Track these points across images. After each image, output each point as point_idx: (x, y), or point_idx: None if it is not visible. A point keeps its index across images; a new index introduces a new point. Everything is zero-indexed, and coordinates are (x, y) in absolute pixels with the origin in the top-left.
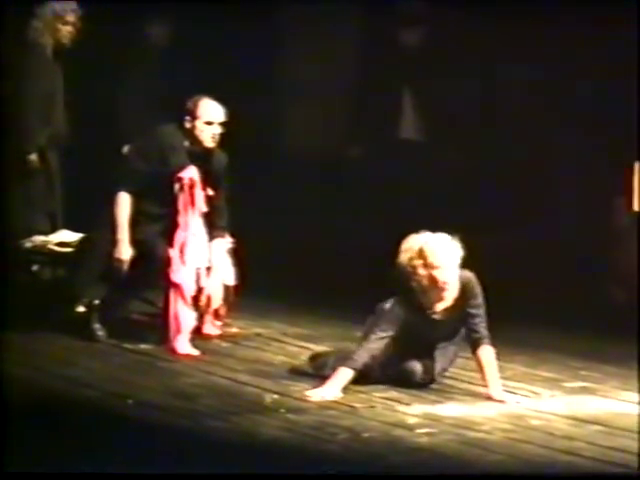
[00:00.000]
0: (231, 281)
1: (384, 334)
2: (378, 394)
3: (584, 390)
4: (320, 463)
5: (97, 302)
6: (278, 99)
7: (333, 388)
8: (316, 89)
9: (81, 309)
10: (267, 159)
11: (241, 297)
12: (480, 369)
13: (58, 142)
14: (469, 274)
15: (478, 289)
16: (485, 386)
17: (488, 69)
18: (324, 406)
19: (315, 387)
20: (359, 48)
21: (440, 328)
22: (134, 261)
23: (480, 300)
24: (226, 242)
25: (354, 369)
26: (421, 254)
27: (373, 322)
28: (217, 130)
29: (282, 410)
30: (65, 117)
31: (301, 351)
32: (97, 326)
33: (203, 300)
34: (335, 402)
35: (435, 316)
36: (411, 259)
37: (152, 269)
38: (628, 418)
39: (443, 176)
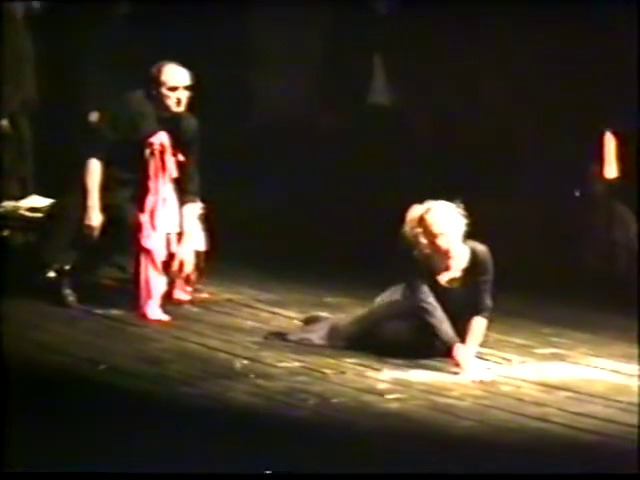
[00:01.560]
0: (202, 247)
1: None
2: (348, 360)
3: (554, 357)
4: (289, 429)
5: (68, 267)
6: (248, 66)
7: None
8: (286, 56)
9: (52, 274)
10: (238, 125)
11: (212, 263)
12: (465, 335)
13: (29, 108)
14: (481, 247)
15: (489, 264)
16: None
17: (460, 35)
18: (294, 372)
19: (285, 351)
20: (329, 14)
21: (451, 298)
22: (104, 227)
23: (490, 275)
24: (197, 207)
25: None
26: (422, 222)
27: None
28: (183, 95)
29: (252, 376)
30: (35, 83)
31: (272, 317)
32: (68, 291)
33: (175, 266)
34: (305, 368)
35: (444, 284)
36: (412, 228)
37: (122, 235)
38: (598, 384)
39: (414, 142)
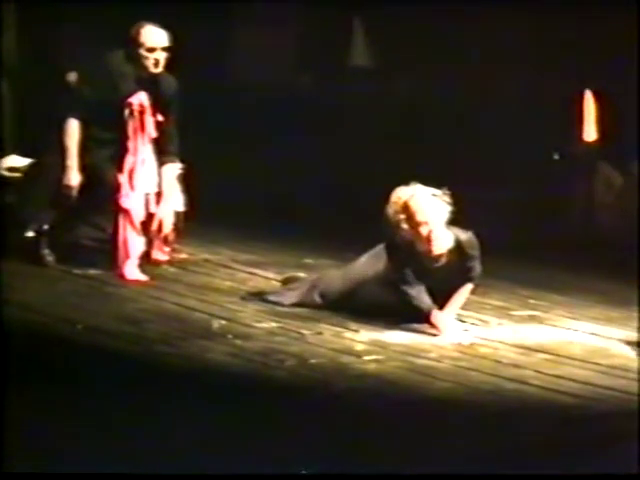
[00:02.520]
0: (180, 207)
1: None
2: (326, 321)
3: (532, 319)
4: (267, 389)
5: (46, 227)
6: (229, 26)
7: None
8: (267, 16)
9: (30, 234)
10: (218, 86)
11: (191, 223)
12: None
13: (7, 68)
14: (465, 235)
15: (475, 250)
16: None
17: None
18: (272, 332)
19: (263, 312)
20: None
21: (431, 275)
22: (83, 187)
23: (476, 260)
24: (176, 168)
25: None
26: (405, 209)
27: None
28: (161, 56)
29: (229, 336)
30: (14, 44)
31: (249, 277)
32: (46, 251)
33: (154, 226)
34: (282, 328)
35: (425, 263)
36: (396, 212)
37: (101, 194)
38: (575, 346)
39: (394, 104)
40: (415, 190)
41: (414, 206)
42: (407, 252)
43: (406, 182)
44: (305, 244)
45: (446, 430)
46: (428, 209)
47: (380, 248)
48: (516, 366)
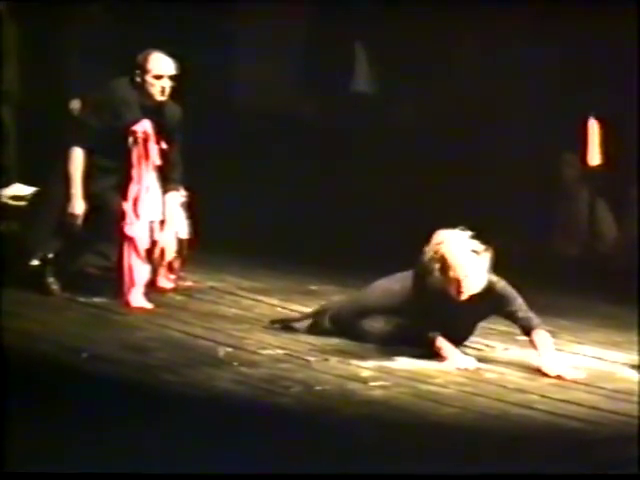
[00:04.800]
0: (185, 234)
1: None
2: (331, 347)
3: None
4: (273, 416)
5: (51, 256)
6: (232, 54)
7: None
8: (269, 43)
9: (35, 263)
10: (221, 113)
11: (196, 251)
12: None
13: (11, 96)
14: (497, 280)
15: (510, 294)
16: None
17: (444, 22)
18: (277, 359)
19: (267, 340)
20: (313, 2)
21: (456, 312)
22: (88, 215)
23: (513, 301)
24: (180, 195)
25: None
26: (442, 260)
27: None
28: (167, 84)
29: (235, 363)
30: (18, 72)
31: (255, 304)
32: (51, 280)
33: (157, 253)
34: (288, 355)
35: (451, 302)
36: (432, 260)
37: (106, 223)
38: (579, 371)
39: (397, 130)
40: (457, 243)
41: (452, 261)
42: (434, 293)
43: (411, 209)
44: (309, 271)
45: (453, 456)
46: (465, 267)
47: (397, 276)
48: (522, 391)
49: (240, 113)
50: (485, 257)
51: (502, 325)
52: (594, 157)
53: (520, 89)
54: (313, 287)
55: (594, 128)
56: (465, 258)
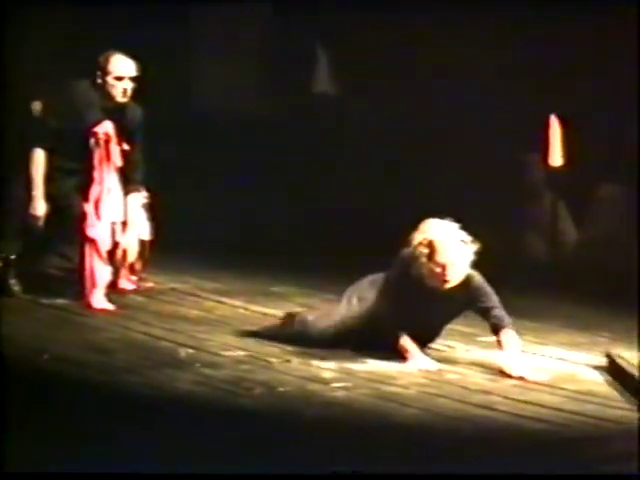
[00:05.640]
0: (146, 235)
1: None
2: (293, 348)
3: (499, 345)
4: (235, 418)
5: (13, 257)
6: (194, 55)
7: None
8: (230, 43)
9: None
10: (182, 114)
11: (157, 252)
12: (503, 350)
13: None
14: (473, 274)
15: (485, 288)
16: None
17: (407, 22)
18: (239, 361)
19: (229, 341)
20: (274, 2)
21: (431, 304)
22: (50, 216)
23: (489, 297)
24: (141, 196)
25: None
26: (430, 245)
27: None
28: (128, 85)
29: (197, 364)
30: None
31: (216, 305)
32: (13, 281)
33: (118, 254)
34: (250, 356)
35: (426, 294)
36: (420, 244)
37: (67, 224)
38: (542, 372)
39: (358, 130)
40: (446, 230)
41: (440, 247)
42: (416, 282)
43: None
44: (272, 273)
45: (414, 457)
46: (453, 254)
47: (368, 279)
48: (484, 392)
49: (201, 114)
50: (471, 248)
51: (463, 326)
52: (556, 158)
53: (485, 89)
54: (275, 289)
55: (556, 129)
56: (454, 245)
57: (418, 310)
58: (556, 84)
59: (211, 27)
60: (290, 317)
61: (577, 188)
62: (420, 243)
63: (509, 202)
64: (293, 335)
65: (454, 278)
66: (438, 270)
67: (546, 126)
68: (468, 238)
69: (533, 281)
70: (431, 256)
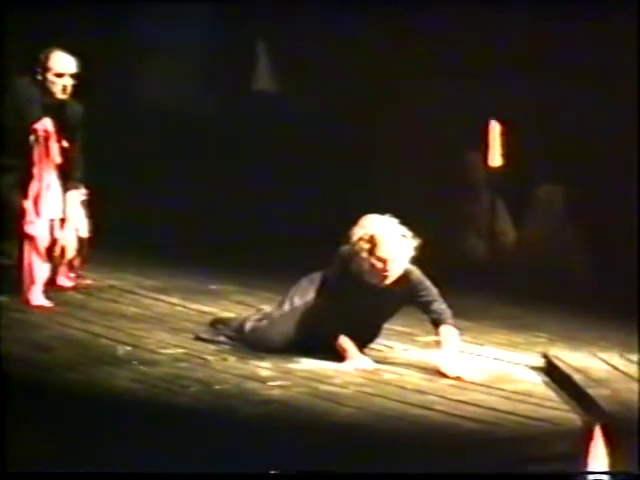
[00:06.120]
0: (85, 232)
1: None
2: (230, 347)
3: (437, 344)
4: (172, 415)
5: None
6: (133, 53)
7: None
8: (172, 41)
9: None
10: (123, 112)
11: (95, 249)
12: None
13: None
14: (412, 268)
15: (423, 283)
16: None
17: (344, 19)
18: (176, 358)
19: (166, 339)
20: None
21: (373, 308)
22: None
23: (429, 290)
24: (80, 193)
25: None
26: (371, 240)
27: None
28: (68, 82)
29: (134, 362)
30: None
31: (154, 303)
32: None
33: (57, 251)
34: (187, 354)
35: (365, 289)
36: (360, 240)
37: (6, 221)
38: (479, 372)
39: (299, 125)
40: (386, 225)
41: (381, 241)
42: (353, 278)
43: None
44: (210, 270)
45: (351, 456)
46: (394, 248)
47: (305, 281)
48: (420, 392)
49: (142, 111)
50: (412, 243)
51: (401, 326)
52: (496, 158)
53: (425, 88)
54: (213, 287)
55: (496, 129)
56: (395, 240)
57: (358, 308)
58: (495, 84)
59: (150, 25)
60: (226, 321)
61: (515, 188)
62: (361, 238)
63: (447, 201)
64: (246, 343)
65: (394, 273)
66: (379, 265)
67: (486, 126)
68: (408, 233)
69: (470, 280)
70: (372, 251)
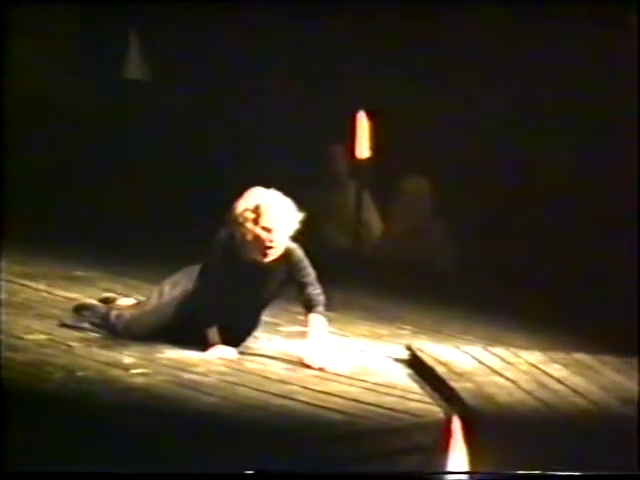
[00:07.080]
0: None
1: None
2: (94, 333)
3: (301, 334)
4: (36, 402)
5: None
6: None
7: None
8: (44, 29)
9: None
10: None
11: None
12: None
13: None
14: (294, 247)
15: (304, 262)
16: None
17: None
18: (41, 344)
19: (32, 325)
20: None
21: (255, 286)
22: None
23: (308, 272)
24: None
25: None
26: (256, 210)
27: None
28: None
29: None
30: None
31: (21, 289)
32: None
33: None
34: (51, 340)
35: (247, 267)
36: (245, 210)
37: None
38: (343, 364)
39: (170, 115)
40: (272, 196)
41: (266, 210)
42: (233, 260)
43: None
44: (75, 256)
45: (211, 444)
46: (279, 218)
47: (181, 272)
48: (283, 382)
49: (14, 100)
50: (297, 215)
51: (266, 316)
52: (363, 150)
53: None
54: (78, 273)
55: (363, 121)
56: (281, 210)
57: (238, 292)
58: (365, 76)
59: (24, 12)
60: (90, 307)
61: (382, 180)
62: (246, 209)
63: (314, 194)
64: (111, 331)
65: (279, 244)
66: (264, 235)
67: (353, 118)
68: (294, 205)
69: (335, 272)
70: (257, 220)
